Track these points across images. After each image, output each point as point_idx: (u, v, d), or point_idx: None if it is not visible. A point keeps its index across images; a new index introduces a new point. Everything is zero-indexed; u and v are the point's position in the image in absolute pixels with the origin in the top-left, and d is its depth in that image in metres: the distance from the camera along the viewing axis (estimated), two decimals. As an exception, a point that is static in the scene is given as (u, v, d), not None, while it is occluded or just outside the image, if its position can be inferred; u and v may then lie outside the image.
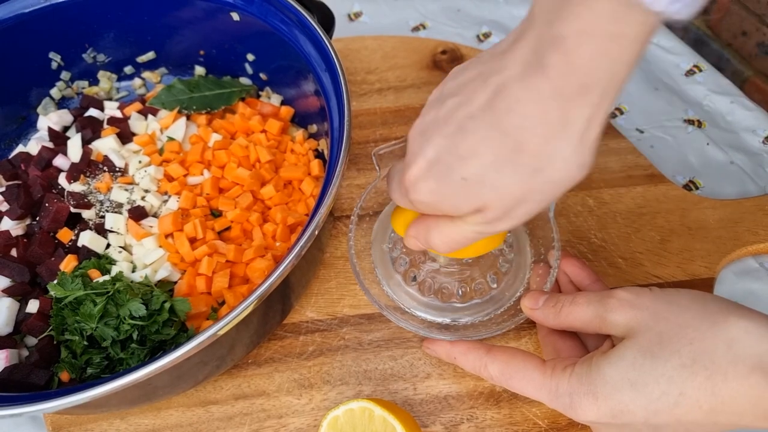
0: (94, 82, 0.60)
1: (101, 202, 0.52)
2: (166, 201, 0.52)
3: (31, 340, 0.46)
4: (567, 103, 0.28)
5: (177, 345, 0.34)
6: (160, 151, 0.55)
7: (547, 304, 0.40)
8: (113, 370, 0.44)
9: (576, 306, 0.39)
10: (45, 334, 0.45)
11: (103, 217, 0.51)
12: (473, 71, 0.32)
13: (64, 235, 0.50)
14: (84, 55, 0.58)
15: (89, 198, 0.52)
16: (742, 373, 0.32)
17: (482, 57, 0.32)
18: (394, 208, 0.43)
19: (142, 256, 0.49)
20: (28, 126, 0.58)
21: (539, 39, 0.28)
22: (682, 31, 0.78)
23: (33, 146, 0.55)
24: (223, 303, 0.47)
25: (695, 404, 0.32)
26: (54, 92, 0.59)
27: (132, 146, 0.55)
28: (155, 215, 0.52)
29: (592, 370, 0.35)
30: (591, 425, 0.37)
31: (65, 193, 0.52)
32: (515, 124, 0.29)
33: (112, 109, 0.58)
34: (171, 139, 0.55)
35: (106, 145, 0.55)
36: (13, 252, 0.49)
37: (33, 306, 0.46)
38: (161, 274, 0.47)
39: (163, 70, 0.61)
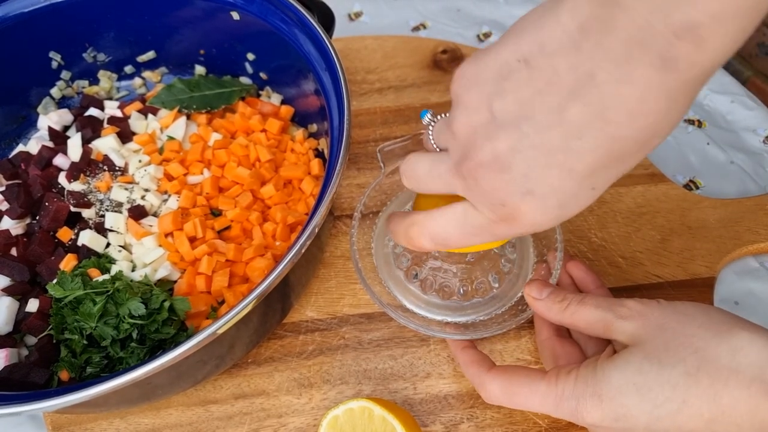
0: (95, 81, 0.60)
1: (101, 202, 0.52)
2: (165, 200, 0.52)
3: (31, 339, 0.46)
4: (693, 90, 0.25)
5: (176, 344, 0.34)
6: (160, 151, 0.55)
7: (552, 297, 0.40)
8: (113, 369, 0.44)
9: (583, 306, 0.38)
10: (45, 333, 0.45)
11: (102, 216, 0.51)
12: (533, 87, 0.27)
13: (64, 234, 0.50)
14: (84, 55, 0.58)
15: (89, 197, 0.52)
16: (742, 382, 0.32)
17: (535, 62, 0.27)
18: (415, 201, 0.42)
19: (141, 255, 0.49)
20: (28, 125, 0.58)
21: (646, 29, 0.23)
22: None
23: (33, 145, 0.55)
24: (222, 302, 0.47)
25: (697, 412, 0.32)
26: (54, 92, 0.59)
27: (132, 145, 0.55)
28: (155, 214, 0.52)
29: (597, 373, 0.35)
30: (593, 429, 0.37)
31: (65, 193, 0.52)
32: (631, 133, 0.27)
33: (112, 108, 0.58)
34: (171, 138, 0.55)
35: (106, 144, 0.55)
36: (13, 251, 0.49)
37: (33, 305, 0.46)
38: (161, 273, 0.47)
39: (163, 69, 0.61)
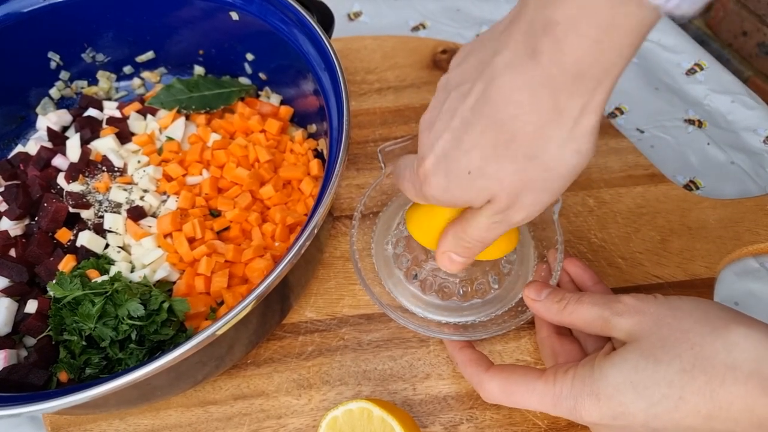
0: (93, 81, 0.60)
1: (100, 202, 0.52)
2: (164, 201, 0.52)
3: (30, 341, 0.46)
4: (559, 90, 0.28)
5: (176, 345, 0.34)
6: (159, 151, 0.55)
7: (551, 298, 0.40)
8: (112, 370, 0.44)
9: (581, 305, 0.39)
10: (44, 334, 0.45)
11: (101, 217, 0.51)
12: (472, 59, 0.32)
13: (63, 235, 0.50)
14: (83, 55, 0.58)
15: (88, 198, 0.52)
16: (739, 378, 0.32)
17: (483, 39, 0.32)
18: (408, 210, 0.43)
19: (140, 256, 0.48)
20: (27, 126, 0.58)
21: (531, 23, 0.27)
22: (681, 30, 0.77)
23: (32, 146, 0.55)
24: (221, 303, 0.47)
25: (694, 409, 0.32)
26: (53, 92, 0.59)
27: (131, 146, 0.55)
28: (154, 215, 0.52)
29: (594, 372, 0.35)
30: (592, 427, 0.37)
31: (64, 193, 0.51)
32: (510, 114, 0.29)
33: (111, 108, 0.58)
34: (170, 138, 0.55)
35: (105, 144, 0.55)
36: (12, 252, 0.49)
37: (32, 306, 0.46)
38: (160, 274, 0.47)
39: (162, 69, 0.61)
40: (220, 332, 0.35)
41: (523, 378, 0.38)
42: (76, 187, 0.52)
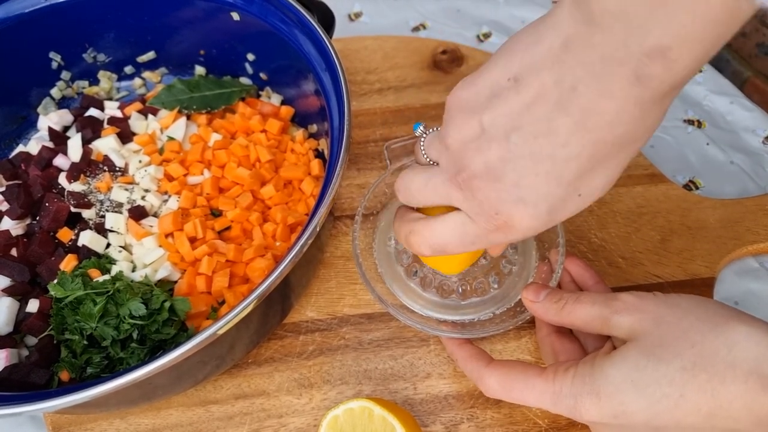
0: (95, 81, 0.60)
1: (101, 202, 0.52)
2: (166, 200, 0.52)
3: (31, 340, 0.46)
4: (663, 97, 0.28)
5: (177, 344, 0.34)
6: (160, 151, 0.55)
7: (549, 298, 0.40)
8: (113, 369, 0.44)
9: (580, 304, 0.39)
10: (45, 333, 0.45)
11: (103, 216, 0.51)
12: (521, 101, 0.29)
13: (64, 234, 0.50)
14: (84, 55, 0.58)
15: (89, 198, 0.52)
16: (739, 376, 0.32)
17: (524, 79, 0.29)
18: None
19: (142, 255, 0.49)
20: (29, 126, 0.58)
21: (624, 48, 0.26)
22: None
23: (33, 146, 0.55)
24: (223, 302, 0.47)
25: (694, 407, 0.32)
26: (54, 92, 0.59)
27: (132, 146, 0.55)
28: (155, 215, 0.52)
29: (594, 370, 0.35)
30: (592, 426, 0.37)
31: (65, 193, 0.52)
32: (620, 131, 0.28)
33: (112, 108, 0.58)
34: (171, 138, 0.55)
35: (107, 144, 0.55)
36: (13, 251, 0.49)
37: (33, 305, 0.46)
38: (161, 274, 0.47)
39: (163, 69, 0.61)
40: (221, 332, 0.35)
41: (523, 374, 0.38)
42: (77, 186, 0.52)
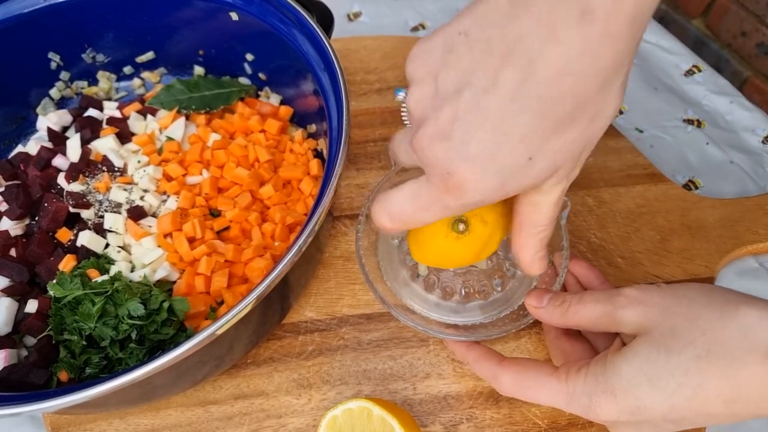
0: (94, 82, 0.60)
1: (100, 202, 0.52)
2: (164, 201, 0.52)
3: (30, 340, 0.46)
4: (618, 39, 0.26)
5: (176, 344, 0.34)
6: (159, 151, 0.55)
7: (553, 302, 0.40)
8: (112, 369, 0.44)
9: (583, 305, 0.38)
10: (44, 333, 0.45)
11: (102, 216, 0.51)
12: (468, 52, 0.29)
13: (63, 234, 0.50)
14: (83, 56, 0.58)
15: (88, 198, 0.52)
16: (757, 359, 0.31)
17: (470, 30, 0.29)
18: (409, 237, 0.43)
19: (140, 255, 0.49)
20: (28, 126, 0.58)
21: None
22: (681, 30, 0.78)
23: (32, 146, 0.55)
24: (221, 302, 0.47)
25: (714, 394, 0.32)
26: (53, 92, 0.59)
27: (131, 146, 0.55)
28: (154, 215, 0.52)
29: (607, 369, 0.35)
30: (610, 426, 0.37)
31: (64, 193, 0.52)
32: (569, 84, 0.27)
33: (111, 109, 0.58)
34: (170, 138, 0.55)
35: (105, 145, 0.55)
36: (12, 252, 0.49)
37: (32, 306, 0.46)
38: (160, 274, 0.47)
39: (162, 70, 0.61)
40: (220, 332, 0.35)
41: (536, 373, 0.38)
42: (76, 187, 0.52)
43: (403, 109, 0.36)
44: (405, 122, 0.36)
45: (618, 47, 0.27)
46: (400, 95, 0.36)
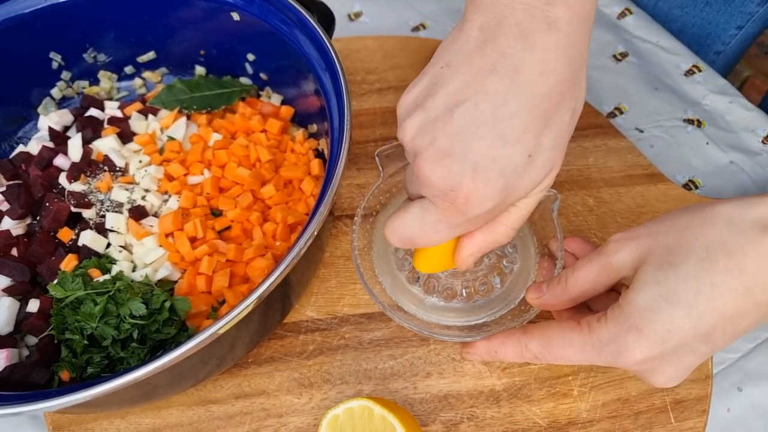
0: (95, 82, 0.60)
1: (102, 202, 0.52)
2: (166, 200, 0.52)
3: (32, 340, 0.46)
4: (578, 38, 0.32)
5: (177, 344, 0.34)
6: (161, 151, 0.55)
7: (551, 285, 0.41)
8: (113, 369, 0.44)
9: (579, 270, 0.39)
10: (45, 333, 0.45)
11: (103, 216, 0.51)
12: (455, 78, 0.32)
13: (65, 234, 0.50)
14: (84, 55, 0.58)
15: (90, 197, 0.52)
16: (755, 240, 0.32)
17: (451, 61, 0.33)
18: (416, 252, 0.43)
19: (142, 255, 0.49)
20: (29, 126, 0.58)
21: (530, 8, 0.30)
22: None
23: (33, 146, 0.55)
24: (223, 302, 0.47)
25: (729, 289, 0.33)
26: (54, 92, 0.59)
27: (132, 146, 0.55)
28: (155, 215, 0.52)
29: (624, 308, 0.35)
30: (649, 373, 0.36)
31: (66, 193, 0.52)
32: (551, 83, 0.31)
33: (112, 108, 0.58)
34: (171, 138, 0.55)
35: (107, 144, 0.55)
36: (14, 251, 0.49)
37: (33, 305, 0.46)
38: (161, 274, 0.47)
39: (163, 69, 0.61)
40: (221, 331, 0.35)
41: (560, 331, 0.38)
42: (77, 186, 0.52)
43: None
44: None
45: (580, 45, 0.32)
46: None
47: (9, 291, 0.47)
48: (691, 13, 0.68)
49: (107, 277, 0.46)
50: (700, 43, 0.69)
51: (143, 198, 0.52)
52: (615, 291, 0.41)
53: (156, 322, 0.44)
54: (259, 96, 0.60)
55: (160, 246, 0.49)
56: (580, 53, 0.32)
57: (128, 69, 0.60)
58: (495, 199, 0.33)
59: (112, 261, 0.48)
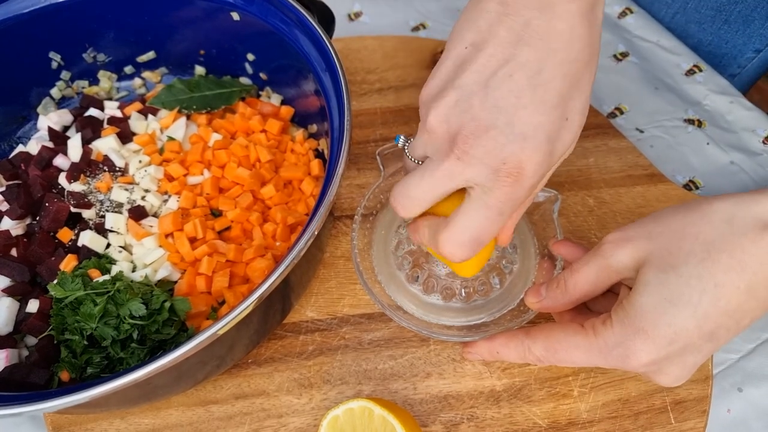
0: (94, 81, 0.60)
1: (101, 202, 0.52)
2: (166, 201, 0.52)
3: (31, 340, 0.46)
4: (593, 12, 0.33)
5: (177, 344, 0.34)
6: (161, 151, 0.55)
7: (550, 288, 0.40)
8: (113, 369, 0.44)
9: (577, 272, 0.39)
10: (45, 333, 0.45)
11: (103, 216, 0.51)
12: (483, 54, 0.33)
13: (64, 234, 0.50)
14: (84, 55, 0.58)
15: (89, 198, 0.52)
16: (755, 238, 0.32)
17: (478, 41, 0.33)
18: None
19: (142, 255, 0.49)
20: (29, 126, 0.58)
21: None
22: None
23: (33, 146, 0.55)
24: (223, 302, 0.47)
25: (732, 287, 0.33)
26: (54, 92, 0.59)
27: (132, 146, 0.55)
28: (155, 215, 0.52)
29: (628, 311, 0.35)
30: (655, 373, 0.36)
31: (65, 193, 0.52)
32: (576, 49, 0.33)
33: (112, 108, 0.58)
34: (171, 138, 0.55)
35: (107, 144, 0.55)
36: (13, 252, 0.49)
37: (33, 306, 0.46)
38: (161, 274, 0.47)
39: (163, 69, 0.61)
40: (221, 332, 0.35)
41: (564, 334, 0.38)
42: (77, 186, 0.52)
43: (406, 151, 0.38)
44: (409, 161, 0.38)
45: (597, 10, 0.34)
46: (401, 140, 0.39)
47: (9, 291, 0.47)
48: (708, 30, 0.66)
49: (107, 277, 0.46)
50: (714, 64, 0.67)
51: (143, 198, 0.52)
52: (611, 291, 0.40)
53: (156, 322, 0.44)
54: (259, 96, 0.60)
55: (160, 246, 0.49)
56: (596, 17, 0.34)
57: (128, 69, 0.60)
58: (545, 164, 0.33)
59: (112, 261, 0.48)
